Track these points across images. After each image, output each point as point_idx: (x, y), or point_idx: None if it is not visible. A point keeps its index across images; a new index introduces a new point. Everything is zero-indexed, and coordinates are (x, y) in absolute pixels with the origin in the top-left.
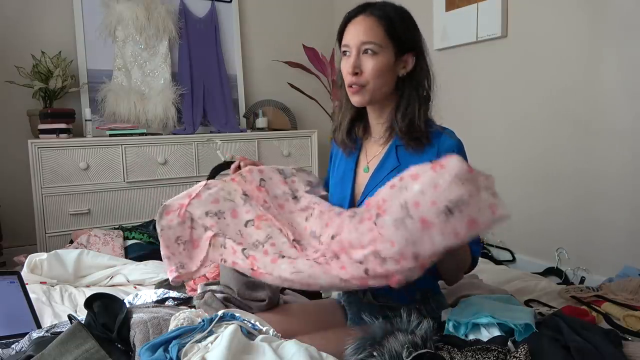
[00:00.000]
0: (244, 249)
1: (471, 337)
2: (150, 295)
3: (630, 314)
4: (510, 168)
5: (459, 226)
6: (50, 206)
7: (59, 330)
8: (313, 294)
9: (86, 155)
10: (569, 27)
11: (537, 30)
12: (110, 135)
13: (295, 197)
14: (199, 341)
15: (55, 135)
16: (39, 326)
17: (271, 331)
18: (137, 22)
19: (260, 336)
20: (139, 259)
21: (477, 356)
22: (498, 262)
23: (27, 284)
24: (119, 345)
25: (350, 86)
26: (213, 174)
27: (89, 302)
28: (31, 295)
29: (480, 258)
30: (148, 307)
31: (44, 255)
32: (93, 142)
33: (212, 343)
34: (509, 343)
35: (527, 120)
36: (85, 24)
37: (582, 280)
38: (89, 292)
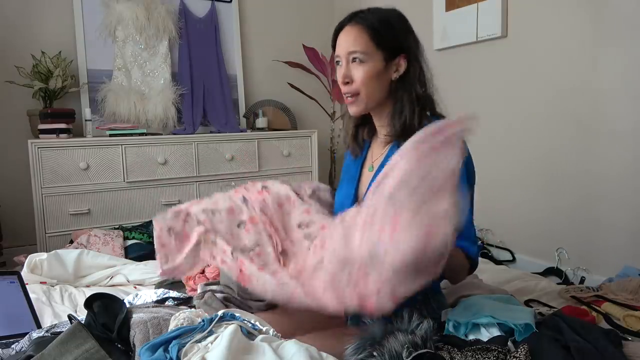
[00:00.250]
0: (233, 251)
1: (471, 337)
2: (150, 295)
3: (630, 314)
4: (510, 168)
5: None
6: (50, 206)
7: (59, 330)
8: None
9: (86, 155)
10: (569, 27)
11: (537, 30)
12: (110, 135)
13: (298, 195)
14: (199, 341)
15: (55, 135)
16: (39, 326)
17: (271, 331)
18: (137, 22)
19: (260, 336)
20: (139, 259)
21: (477, 356)
22: (498, 262)
23: (27, 284)
24: (119, 345)
25: (346, 97)
26: None
27: (89, 302)
28: (31, 295)
29: (480, 258)
30: (148, 307)
31: (44, 255)
32: (93, 142)
33: (212, 343)
34: (509, 343)
35: (527, 121)
36: (85, 24)
37: (582, 280)
38: (89, 292)
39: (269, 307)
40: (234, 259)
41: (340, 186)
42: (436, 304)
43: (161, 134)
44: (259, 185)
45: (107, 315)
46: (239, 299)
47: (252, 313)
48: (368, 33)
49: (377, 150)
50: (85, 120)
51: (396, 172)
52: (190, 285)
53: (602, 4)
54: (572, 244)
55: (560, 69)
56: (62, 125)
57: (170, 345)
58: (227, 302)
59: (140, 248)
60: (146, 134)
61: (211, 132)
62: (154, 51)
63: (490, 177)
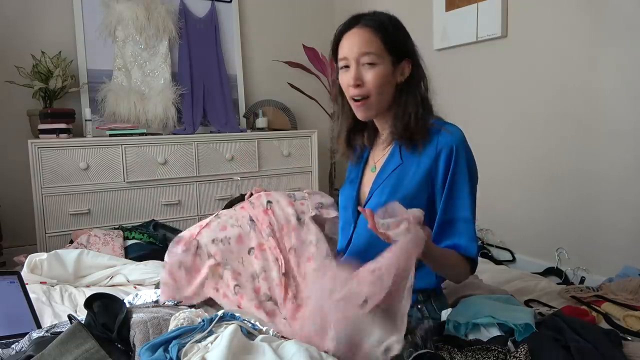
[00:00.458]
0: (236, 285)
1: (471, 337)
2: (150, 295)
3: (630, 314)
4: (510, 168)
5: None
6: (50, 206)
7: (59, 330)
8: None
9: (86, 155)
10: (569, 27)
11: (537, 30)
12: (110, 135)
13: (299, 219)
14: (199, 341)
15: (55, 135)
16: (39, 326)
17: (271, 331)
18: (137, 22)
19: (260, 336)
20: (139, 259)
21: (477, 356)
22: (498, 262)
23: (27, 284)
24: (119, 345)
25: (354, 100)
26: (229, 206)
27: (89, 302)
28: (31, 295)
29: (480, 258)
30: (148, 307)
31: (44, 255)
32: (93, 142)
33: (212, 343)
34: (509, 343)
35: (527, 120)
36: (85, 24)
37: (582, 280)
38: (89, 292)
39: None
40: (236, 294)
41: (343, 188)
42: (436, 304)
43: (161, 134)
44: (264, 199)
45: (107, 315)
46: None
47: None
48: (379, 36)
49: (378, 152)
50: (85, 120)
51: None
52: None
53: (601, 4)
54: (572, 244)
55: (560, 68)
56: (62, 125)
57: (170, 345)
58: None
59: (140, 248)
60: (146, 134)
61: (211, 132)
62: (154, 51)
63: (491, 177)
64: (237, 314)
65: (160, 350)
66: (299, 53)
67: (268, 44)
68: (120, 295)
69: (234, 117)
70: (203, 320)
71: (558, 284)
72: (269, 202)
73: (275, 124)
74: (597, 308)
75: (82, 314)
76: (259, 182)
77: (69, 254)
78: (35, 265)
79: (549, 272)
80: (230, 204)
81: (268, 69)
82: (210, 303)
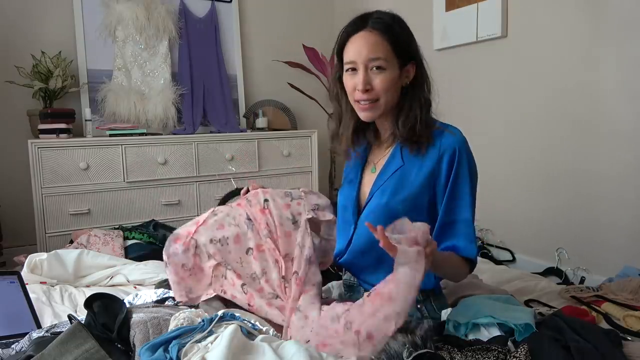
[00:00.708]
0: (243, 284)
1: (471, 337)
2: (150, 295)
3: (630, 314)
4: (510, 168)
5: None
6: (50, 206)
7: (59, 330)
8: None
9: (86, 155)
10: (569, 27)
11: (537, 30)
12: (110, 135)
13: (295, 222)
14: (199, 341)
15: (55, 135)
16: (39, 326)
17: (271, 331)
18: (137, 22)
19: (260, 336)
20: (139, 259)
21: (477, 356)
22: (498, 262)
23: (27, 284)
24: (119, 345)
25: (360, 102)
26: (224, 201)
27: (89, 302)
28: (31, 295)
29: (480, 258)
30: (148, 307)
31: (44, 255)
32: (93, 142)
33: (212, 343)
34: (509, 343)
35: (527, 120)
36: (85, 24)
37: (582, 280)
38: (89, 292)
39: None
40: (245, 293)
41: (342, 188)
42: (436, 303)
43: (161, 134)
44: (261, 198)
45: (107, 315)
46: None
47: (252, 313)
48: (387, 40)
49: (378, 152)
50: (85, 120)
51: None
52: None
53: (601, 4)
54: (572, 244)
55: (560, 68)
56: (62, 125)
57: (170, 345)
58: (227, 302)
59: (140, 248)
60: (146, 134)
61: (211, 132)
62: (154, 51)
63: (491, 177)
64: (237, 314)
65: (160, 350)
66: (299, 53)
67: (268, 44)
68: (120, 295)
69: (234, 117)
70: (203, 320)
71: (558, 284)
72: (265, 200)
73: (275, 124)
74: (597, 308)
75: (82, 314)
76: (259, 182)
77: (69, 254)
78: (35, 265)
79: (549, 272)
80: (225, 198)
81: (268, 69)
82: (213, 304)
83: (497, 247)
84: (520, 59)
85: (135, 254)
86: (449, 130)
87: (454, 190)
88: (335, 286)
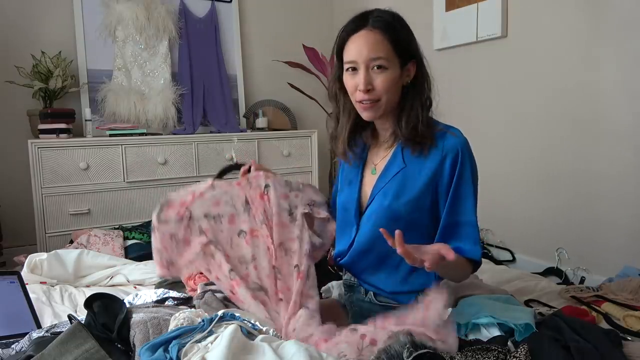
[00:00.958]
0: (230, 270)
1: (471, 337)
2: (150, 295)
3: (630, 314)
4: (510, 168)
5: None
6: (50, 206)
7: (59, 330)
8: None
9: (86, 155)
10: (568, 27)
11: (537, 30)
12: (110, 135)
13: (291, 214)
14: (199, 341)
15: (55, 135)
16: (39, 326)
17: (271, 331)
18: (137, 22)
19: (260, 336)
20: (139, 259)
21: (477, 356)
22: (498, 262)
23: (27, 284)
24: (119, 345)
25: (361, 102)
26: (222, 174)
27: (89, 302)
28: (31, 295)
29: None
30: (148, 307)
31: (44, 255)
32: (93, 142)
33: (212, 343)
34: (509, 343)
35: (527, 120)
36: (85, 24)
37: (582, 280)
38: (89, 292)
39: None
40: (230, 279)
41: (341, 190)
42: None
43: (161, 134)
44: (262, 182)
45: (107, 315)
46: None
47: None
48: (388, 39)
49: (378, 153)
50: (85, 120)
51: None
52: (190, 285)
53: (601, 4)
54: (572, 243)
55: (560, 68)
56: (62, 125)
57: (170, 345)
58: (227, 302)
59: (140, 248)
60: (146, 134)
61: (211, 132)
62: (154, 51)
63: (491, 176)
64: (237, 314)
65: (160, 350)
66: (299, 53)
67: (268, 44)
68: (120, 295)
69: (234, 117)
70: (203, 320)
71: (558, 284)
72: (267, 185)
73: (275, 124)
74: (597, 308)
75: (82, 314)
76: None
77: (69, 254)
78: (35, 265)
79: (549, 272)
80: (223, 171)
81: (268, 69)
82: (213, 304)
83: (497, 247)
84: (520, 59)
85: (135, 254)
86: (450, 131)
87: (457, 192)
88: (335, 286)
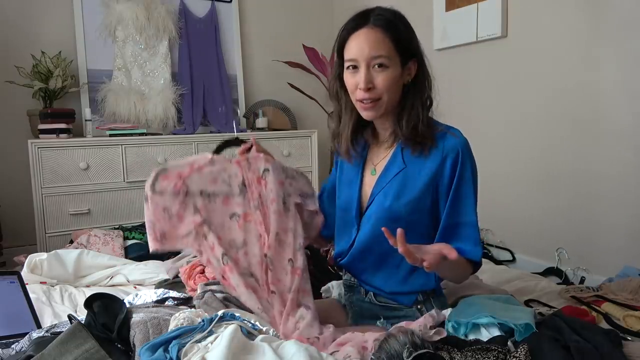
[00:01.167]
0: (224, 254)
1: (471, 337)
2: (150, 295)
3: (630, 314)
4: (510, 168)
5: None
6: (50, 206)
7: (59, 330)
8: (313, 294)
9: (86, 155)
10: (568, 27)
11: (537, 30)
12: (110, 135)
13: (285, 203)
14: (199, 341)
15: (55, 135)
16: (39, 326)
17: (271, 331)
18: (137, 22)
19: (260, 336)
20: (139, 259)
21: (477, 356)
22: (498, 262)
23: (27, 284)
24: (119, 345)
25: (362, 101)
26: (220, 149)
27: (89, 302)
28: (31, 295)
29: None
30: (148, 307)
31: (44, 255)
32: (93, 142)
33: (212, 343)
34: (509, 343)
35: (527, 120)
36: (85, 24)
37: (582, 280)
38: (89, 292)
39: None
40: (222, 263)
41: (340, 190)
42: (436, 304)
43: (161, 134)
44: (261, 165)
45: (107, 315)
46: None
47: (252, 313)
48: (390, 37)
49: (377, 152)
50: (85, 120)
51: None
52: (190, 285)
53: (601, 4)
54: (572, 244)
55: (560, 68)
56: (62, 125)
57: (170, 345)
58: (227, 302)
59: (140, 248)
60: (146, 134)
61: (211, 132)
62: (154, 51)
63: (491, 176)
64: (237, 314)
65: (160, 350)
66: (299, 53)
67: (268, 44)
68: (120, 295)
69: (234, 117)
70: (203, 320)
71: (558, 284)
72: (266, 169)
73: (275, 124)
74: (597, 308)
75: (82, 314)
76: None
77: (69, 254)
78: (35, 265)
79: (549, 272)
80: (223, 145)
81: (268, 69)
82: (213, 304)
83: (497, 247)
84: (520, 59)
85: (135, 254)
86: (450, 132)
87: (458, 192)
88: (335, 286)
